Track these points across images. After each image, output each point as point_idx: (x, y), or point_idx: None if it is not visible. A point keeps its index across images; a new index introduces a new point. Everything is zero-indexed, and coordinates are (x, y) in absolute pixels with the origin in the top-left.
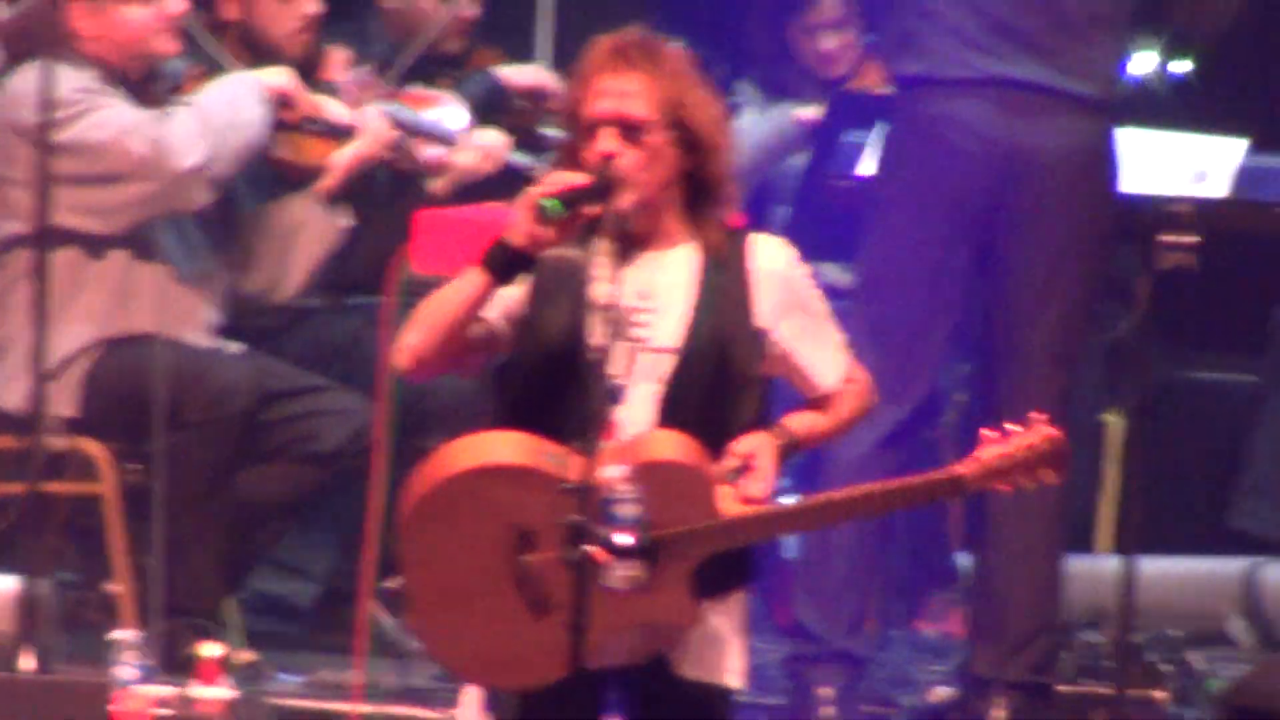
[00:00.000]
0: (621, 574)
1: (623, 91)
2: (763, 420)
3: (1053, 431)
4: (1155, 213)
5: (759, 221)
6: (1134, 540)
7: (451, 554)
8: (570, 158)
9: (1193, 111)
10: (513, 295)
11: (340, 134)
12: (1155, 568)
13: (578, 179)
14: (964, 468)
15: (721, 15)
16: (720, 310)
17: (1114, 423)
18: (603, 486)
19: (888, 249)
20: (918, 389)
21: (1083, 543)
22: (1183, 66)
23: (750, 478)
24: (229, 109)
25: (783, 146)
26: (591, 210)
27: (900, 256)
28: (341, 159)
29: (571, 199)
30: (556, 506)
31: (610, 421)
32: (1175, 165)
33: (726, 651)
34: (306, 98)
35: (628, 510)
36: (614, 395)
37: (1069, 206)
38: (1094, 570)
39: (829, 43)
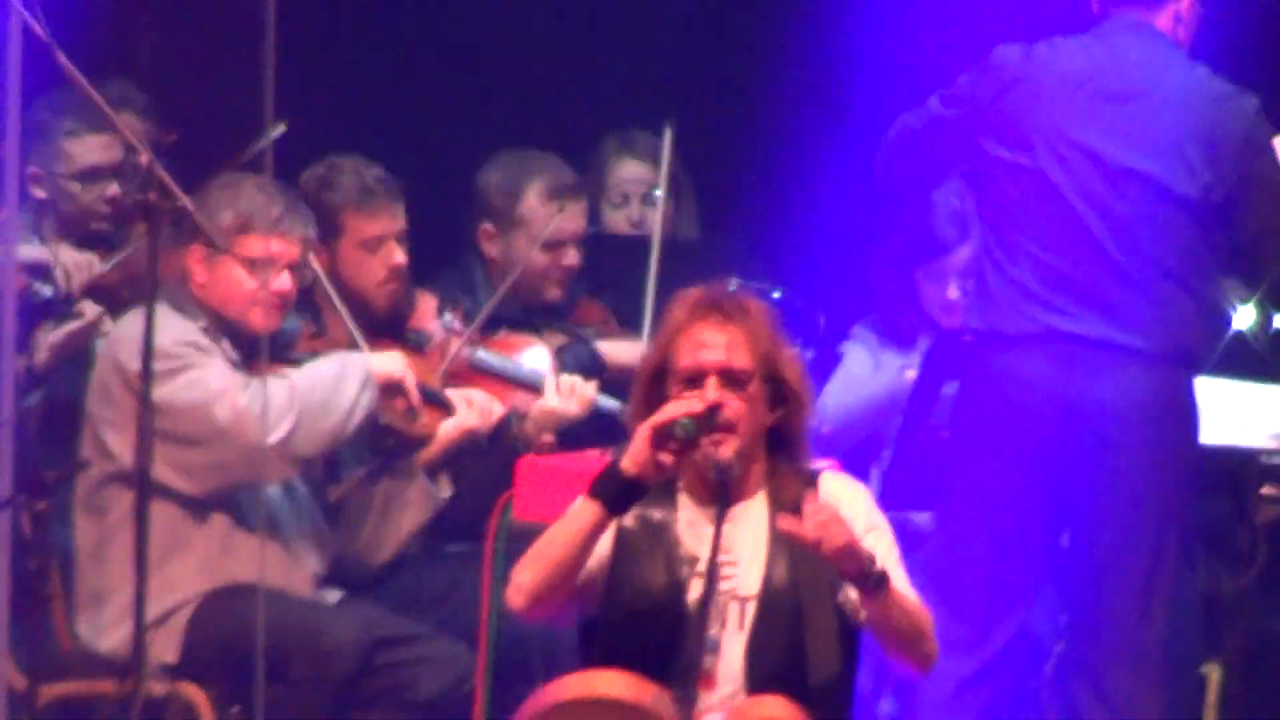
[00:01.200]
0: None
1: (728, 344)
2: (849, 671)
3: None
4: (1254, 466)
5: (863, 467)
6: None
7: None
8: (648, 411)
9: None
10: (595, 554)
11: (440, 404)
12: None
13: (695, 406)
14: None
15: (819, 263)
16: (795, 554)
17: (1213, 675)
18: None
19: (962, 501)
20: (996, 637)
21: None
22: None
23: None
24: (328, 389)
25: (891, 406)
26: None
27: (975, 507)
28: (446, 433)
29: (699, 424)
30: None
31: (708, 674)
32: (1274, 418)
33: None
34: (415, 389)
35: None
36: (711, 647)
37: (1137, 461)
38: None
39: (955, 292)
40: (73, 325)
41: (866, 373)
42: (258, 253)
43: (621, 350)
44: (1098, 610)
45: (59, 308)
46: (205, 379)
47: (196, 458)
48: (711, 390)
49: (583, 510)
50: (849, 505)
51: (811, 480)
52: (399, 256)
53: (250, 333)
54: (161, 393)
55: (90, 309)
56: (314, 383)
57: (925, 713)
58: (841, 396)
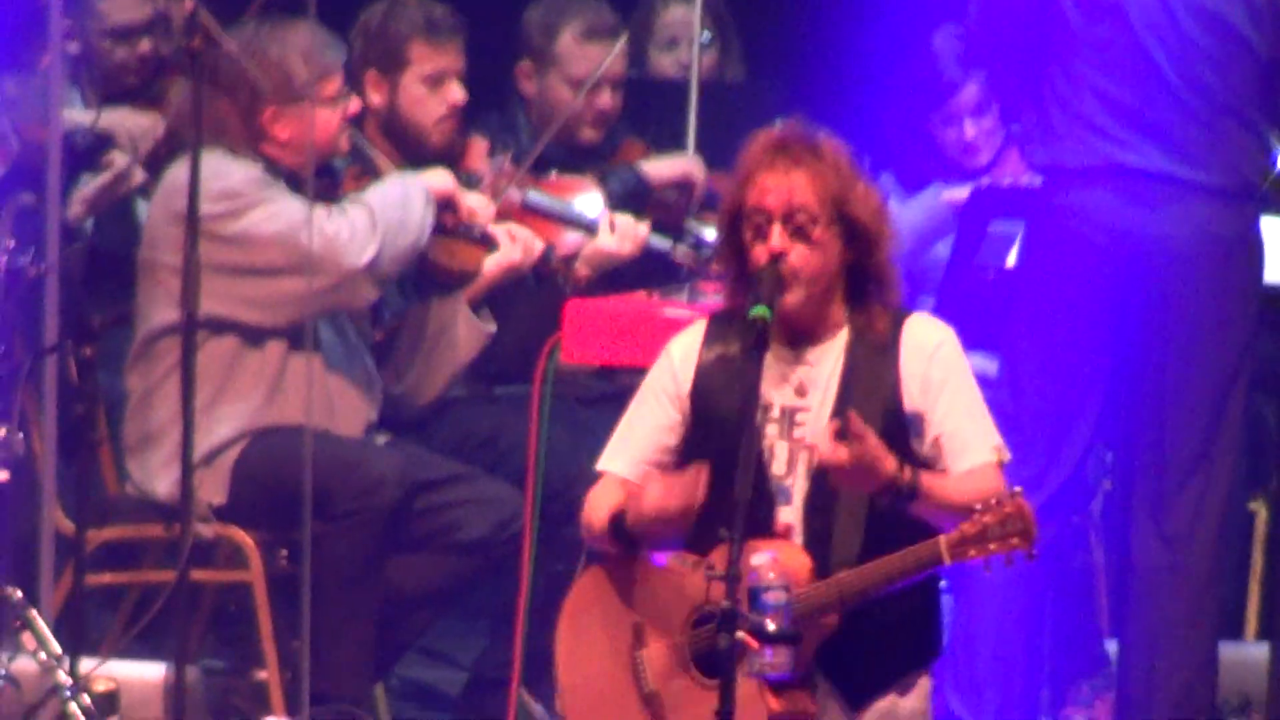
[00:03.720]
0: (770, 661)
1: (791, 187)
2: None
3: (1023, 503)
4: None
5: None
6: None
7: (589, 662)
8: (731, 251)
9: None
10: (671, 430)
11: (488, 239)
12: None
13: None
14: (944, 537)
15: (859, 109)
16: (867, 400)
17: (1261, 511)
18: (751, 574)
19: (1026, 340)
20: (1054, 477)
21: (1233, 630)
22: None
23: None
24: (398, 209)
25: (934, 229)
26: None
27: (1039, 348)
28: (489, 268)
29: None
30: (675, 601)
31: (783, 523)
32: None
33: None
34: (466, 202)
35: (776, 598)
36: (783, 496)
37: (1200, 298)
38: (1243, 657)
39: (970, 131)
40: (105, 178)
41: (899, 210)
42: (335, 92)
43: (664, 167)
44: (1161, 447)
45: (89, 160)
46: (285, 210)
47: (280, 289)
48: (776, 238)
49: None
50: (930, 351)
51: (899, 320)
52: (458, 94)
53: (330, 161)
54: (239, 227)
55: (120, 159)
56: (386, 204)
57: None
58: None
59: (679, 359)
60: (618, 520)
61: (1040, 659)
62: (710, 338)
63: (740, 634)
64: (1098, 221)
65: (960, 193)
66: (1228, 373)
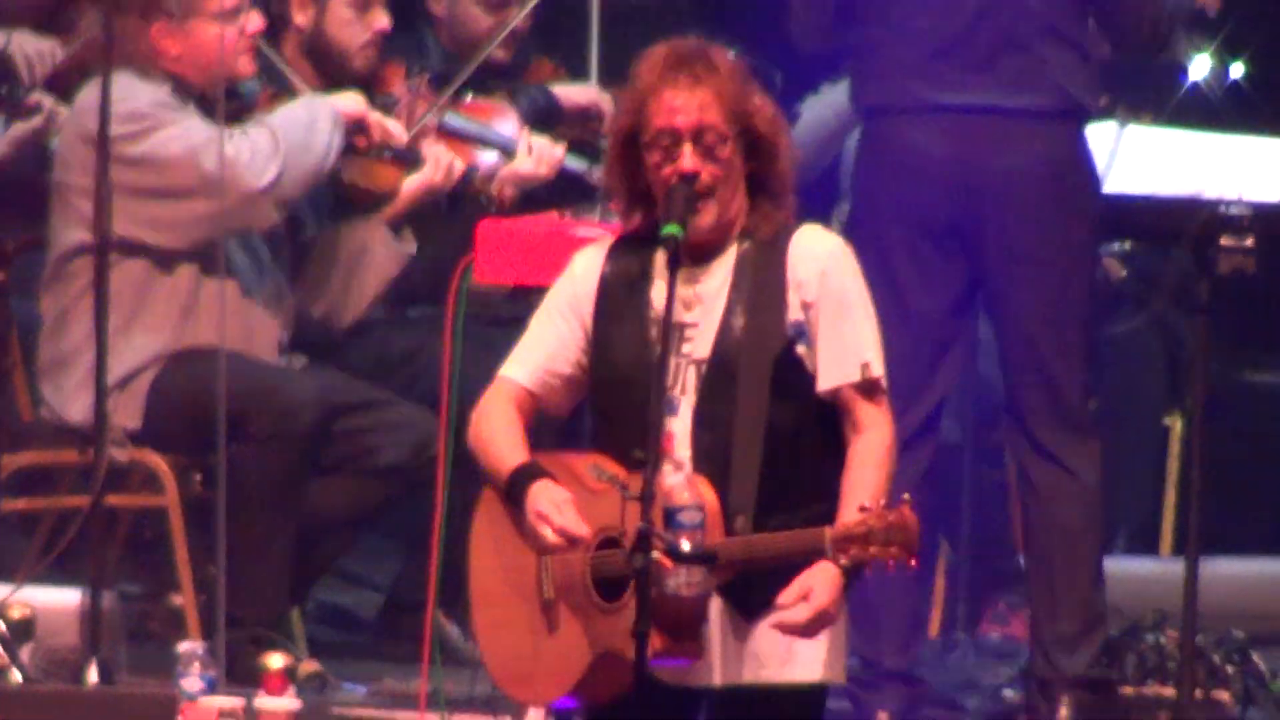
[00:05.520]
0: (685, 580)
1: (700, 105)
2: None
3: (908, 514)
4: (1212, 216)
5: (823, 217)
6: (1197, 542)
7: (496, 562)
8: (624, 169)
9: (1247, 114)
10: (572, 342)
11: (407, 160)
12: (1219, 569)
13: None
14: (829, 530)
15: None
16: (752, 312)
17: (1176, 426)
18: (666, 495)
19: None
20: (915, 412)
21: (1149, 545)
22: (1238, 70)
23: (801, 607)
24: (303, 131)
25: (841, 126)
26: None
27: (884, 280)
28: (408, 188)
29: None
30: (586, 519)
31: (667, 433)
32: (1231, 168)
33: (803, 647)
34: (379, 124)
35: (690, 517)
36: (669, 408)
37: (1039, 219)
38: (1159, 572)
39: None
40: (34, 121)
41: (806, 107)
42: (224, 5)
43: (575, 92)
44: (1028, 369)
45: (14, 104)
46: (186, 132)
47: (183, 211)
48: (688, 159)
49: (498, 471)
50: (821, 261)
51: (789, 231)
52: (384, 20)
53: (237, 82)
54: (143, 149)
55: (46, 101)
56: (290, 125)
57: None
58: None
59: (581, 273)
60: (514, 482)
61: (956, 577)
62: (613, 255)
63: (655, 553)
64: (928, 155)
65: None
66: (1078, 287)
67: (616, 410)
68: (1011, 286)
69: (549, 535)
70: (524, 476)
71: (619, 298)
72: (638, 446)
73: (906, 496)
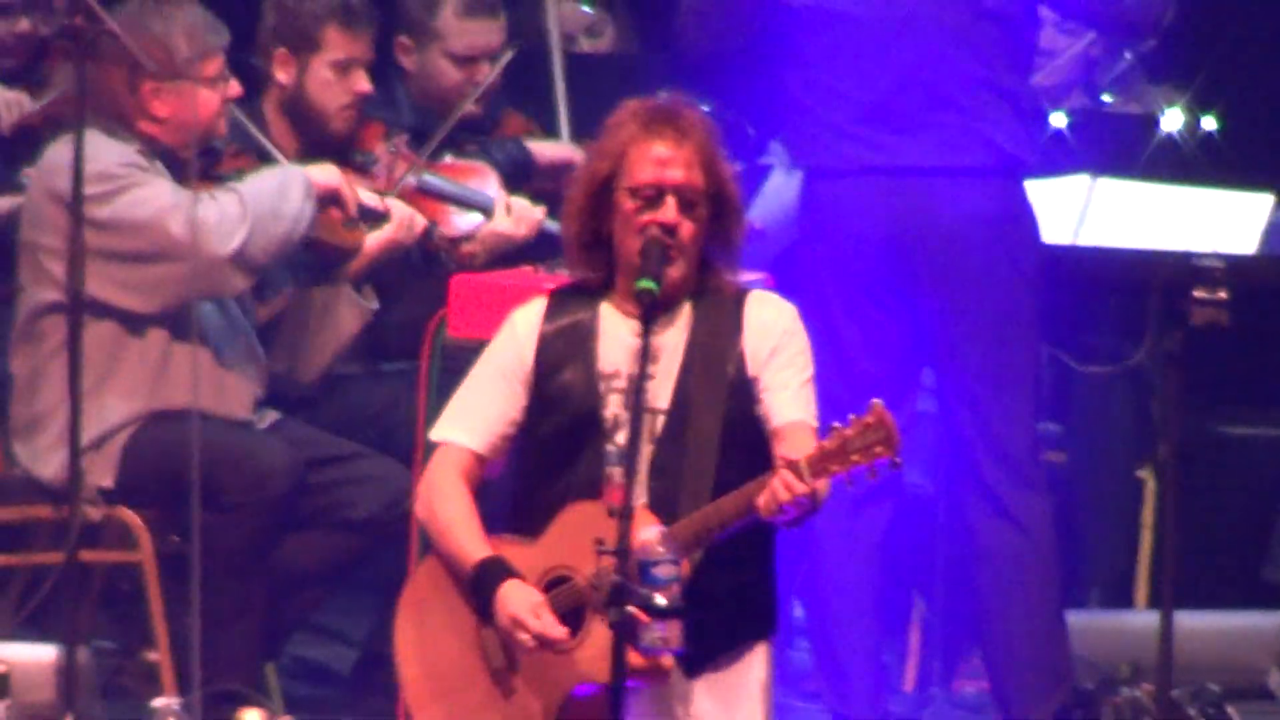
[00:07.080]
0: (661, 635)
1: (685, 162)
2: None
3: (883, 411)
4: (1186, 268)
5: (787, 280)
6: (1172, 595)
7: (431, 638)
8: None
9: (1220, 167)
10: (515, 403)
11: (373, 217)
12: (1194, 622)
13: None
14: (804, 456)
15: (749, 77)
16: (710, 371)
17: (1150, 479)
18: (641, 549)
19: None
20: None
21: (1123, 598)
22: (1210, 123)
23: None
24: (274, 199)
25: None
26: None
27: (828, 341)
28: (371, 244)
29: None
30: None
31: (618, 483)
32: (1205, 221)
33: (740, 710)
34: (353, 197)
35: (666, 571)
36: (612, 460)
37: (979, 278)
38: (1134, 625)
39: None
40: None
41: (783, 184)
42: (216, 72)
43: (547, 149)
44: (973, 424)
45: None
46: (155, 195)
47: (150, 275)
48: (671, 211)
49: (458, 559)
50: (771, 325)
51: (740, 296)
52: (364, 84)
53: (208, 142)
54: (109, 212)
55: None
56: (260, 193)
57: (828, 571)
58: (766, 206)
59: (524, 334)
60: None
61: (930, 631)
62: (552, 311)
63: (630, 608)
64: (865, 215)
65: None
66: (1027, 345)
67: (558, 463)
68: (954, 346)
69: (526, 641)
70: (491, 575)
71: (562, 352)
72: (581, 498)
73: (877, 399)
